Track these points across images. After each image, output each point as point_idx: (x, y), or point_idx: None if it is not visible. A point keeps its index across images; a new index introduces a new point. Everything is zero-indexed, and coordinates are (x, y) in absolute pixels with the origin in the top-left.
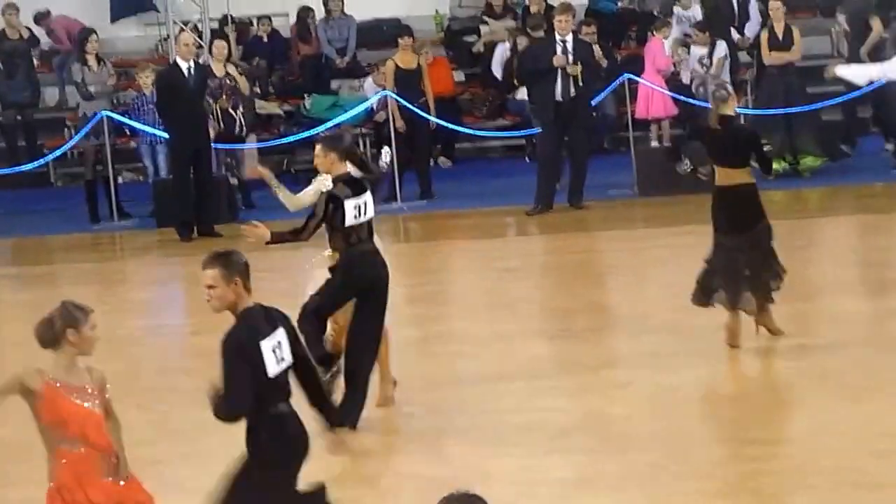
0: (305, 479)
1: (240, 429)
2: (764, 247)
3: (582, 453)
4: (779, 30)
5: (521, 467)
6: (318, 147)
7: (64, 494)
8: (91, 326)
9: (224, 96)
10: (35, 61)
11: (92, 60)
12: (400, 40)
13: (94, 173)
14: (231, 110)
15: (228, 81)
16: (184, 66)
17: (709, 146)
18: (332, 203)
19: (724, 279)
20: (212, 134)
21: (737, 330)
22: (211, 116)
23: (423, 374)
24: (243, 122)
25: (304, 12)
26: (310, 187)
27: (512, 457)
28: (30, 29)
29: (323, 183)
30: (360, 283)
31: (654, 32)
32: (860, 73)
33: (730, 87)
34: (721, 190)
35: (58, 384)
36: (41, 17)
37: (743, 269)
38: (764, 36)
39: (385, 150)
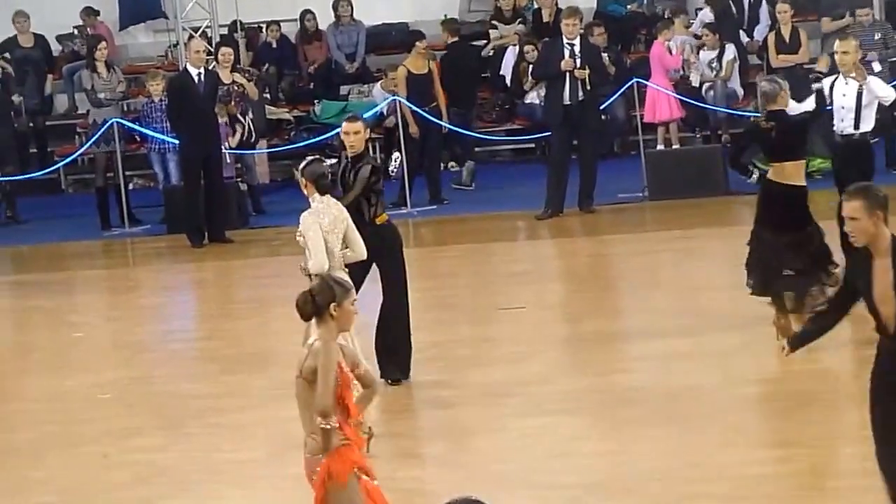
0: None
1: (251, 434)
2: (812, 250)
3: (593, 458)
4: (786, 32)
5: (531, 472)
6: (358, 123)
7: (351, 454)
8: (351, 301)
9: (232, 102)
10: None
11: (102, 67)
12: (418, 43)
13: (104, 180)
14: (240, 116)
15: (236, 88)
16: (194, 72)
17: (762, 144)
18: (377, 175)
19: (760, 270)
20: (234, 141)
21: (786, 326)
22: (226, 123)
23: (432, 378)
24: (252, 128)
25: (303, 15)
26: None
27: (522, 461)
28: (43, 36)
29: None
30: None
31: (657, 35)
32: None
33: (781, 81)
34: (769, 184)
35: (341, 363)
36: (87, 14)
37: (781, 268)
38: (771, 39)
39: (395, 155)
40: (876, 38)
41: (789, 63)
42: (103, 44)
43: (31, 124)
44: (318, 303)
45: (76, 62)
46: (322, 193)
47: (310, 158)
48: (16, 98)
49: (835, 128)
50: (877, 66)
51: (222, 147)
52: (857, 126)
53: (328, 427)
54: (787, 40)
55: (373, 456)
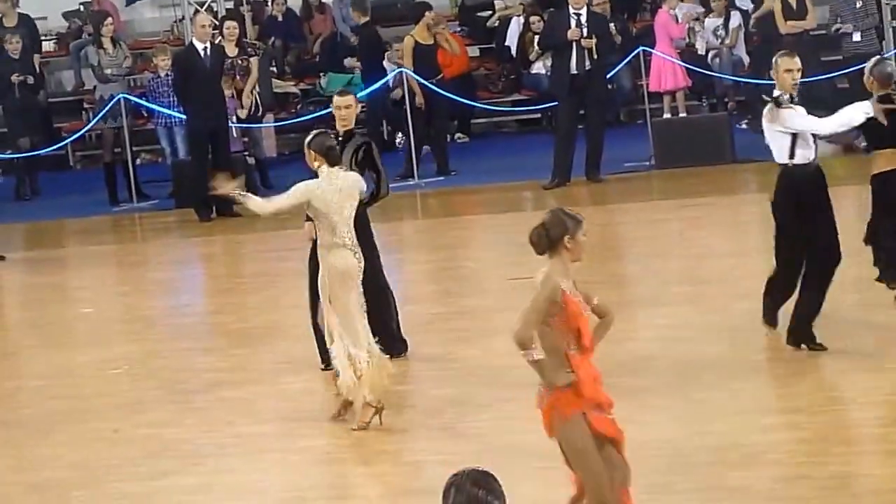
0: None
1: (261, 407)
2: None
3: None
4: None
5: (540, 442)
6: (349, 97)
7: (581, 391)
8: (583, 233)
9: (237, 77)
10: (53, 46)
11: (108, 43)
12: (427, 13)
13: (112, 156)
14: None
15: (241, 62)
16: (200, 47)
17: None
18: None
19: None
20: (243, 114)
21: None
22: (234, 96)
23: (442, 350)
24: (259, 102)
25: None
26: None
27: (530, 432)
28: (28, 15)
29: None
30: None
31: (662, 4)
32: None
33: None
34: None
35: (568, 293)
36: None
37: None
38: (777, 6)
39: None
40: (857, 6)
41: (797, 29)
42: (109, 20)
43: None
44: (552, 236)
45: (83, 38)
46: (332, 165)
47: (315, 132)
48: (14, 78)
49: (790, 160)
50: (856, 37)
51: (229, 121)
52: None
53: (532, 359)
54: (795, 7)
55: (383, 428)
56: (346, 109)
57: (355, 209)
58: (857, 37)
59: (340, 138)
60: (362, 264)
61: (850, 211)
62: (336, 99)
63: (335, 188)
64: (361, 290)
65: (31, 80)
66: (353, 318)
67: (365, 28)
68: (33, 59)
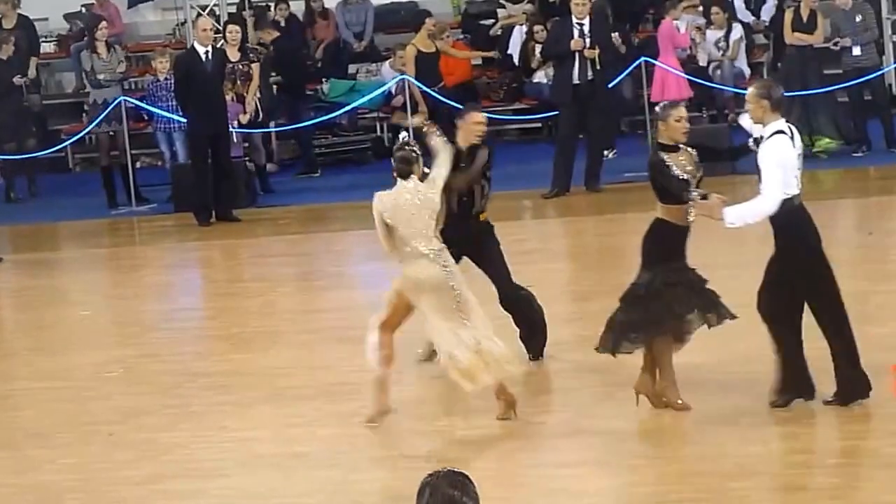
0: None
1: (257, 412)
2: None
3: (597, 435)
4: (804, 12)
5: (537, 450)
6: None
7: None
8: None
9: (238, 82)
10: (54, 47)
11: (102, 48)
12: (428, 20)
13: (109, 159)
14: (247, 95)
15: (242, 67)
16: (201, 51)
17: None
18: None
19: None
20: (244, 119)
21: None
22: (234, 100)
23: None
24: (260, 108)
25: None
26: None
27: (528, 439)
28: (27, 17)
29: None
30: None
31: (665, 15)
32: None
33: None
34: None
35: None
36: None
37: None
38: (788, 15)
39: (403, 134)
40: (857, 20)
41: (803, 42)
42: (103, 24)
43: (26, 104)
44: None
45: (83, 41)
46: (401, 177)
47: (397, 146)
48: (17, 80)
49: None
50: (856, 51)
51: (230, 125)
52: None
53: None
54: (805, 19)
55: (379, 434)
56: (482, 126)
57: (433, 219)
58: (856, 51)
59: (464, 149)
60: (450, 271)
61: (848, 223)
62: (476, 116)
63: (409, 201)
64: (455, 295)
65: (28, 81)
66: (436, 326)
67: (277, 44)
68: (28, 61)
